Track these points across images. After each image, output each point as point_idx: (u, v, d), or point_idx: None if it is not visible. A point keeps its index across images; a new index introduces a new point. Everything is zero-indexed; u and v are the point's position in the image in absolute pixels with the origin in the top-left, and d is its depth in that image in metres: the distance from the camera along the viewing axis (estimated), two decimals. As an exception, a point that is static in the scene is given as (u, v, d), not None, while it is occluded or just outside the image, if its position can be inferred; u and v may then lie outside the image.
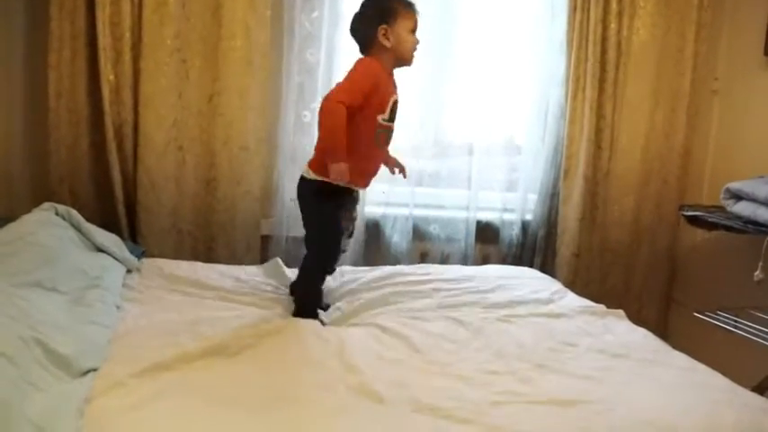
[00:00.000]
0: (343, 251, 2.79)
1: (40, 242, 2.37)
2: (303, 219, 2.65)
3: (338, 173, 2.38)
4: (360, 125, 2.49)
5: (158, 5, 3.14)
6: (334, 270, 2.82)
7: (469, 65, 3.62)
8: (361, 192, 2.87)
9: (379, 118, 2.55)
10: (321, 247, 2.63)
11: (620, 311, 2.77)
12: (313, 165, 2.57)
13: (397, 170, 2.89)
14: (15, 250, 2.25)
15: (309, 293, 2.62)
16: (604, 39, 3.58)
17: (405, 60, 2.63)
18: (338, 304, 2.68)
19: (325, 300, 2.73)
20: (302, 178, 2.61)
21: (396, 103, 2.62)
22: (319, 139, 2.54)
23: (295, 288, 2.73)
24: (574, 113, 3.62)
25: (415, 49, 2.61)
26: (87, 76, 3.16)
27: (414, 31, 2.60)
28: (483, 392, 1.97)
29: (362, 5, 2.64)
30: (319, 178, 2.53)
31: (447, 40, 3.58)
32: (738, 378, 2.18)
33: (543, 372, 2.14)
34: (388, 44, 2.56)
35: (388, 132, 2.65)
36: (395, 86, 2.65)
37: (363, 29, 2.60)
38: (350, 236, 2.79)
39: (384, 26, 2.55)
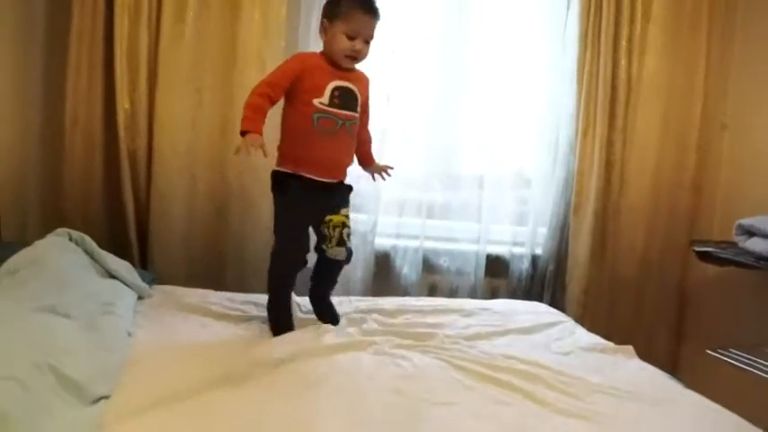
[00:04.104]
0: (338, 260, 2.74)
1: (53, 268, 2.37)
2: None
3: (244, 141, 2.39)
4: (296, 109, 2.55)
5: (175, 37, 3.19)
6: (299, 265, 2.72)
7: (480, 98, 3.64)
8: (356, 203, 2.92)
9: (315, 101, 2.53)
10: (278, 244, 2.66)
11: (630, 348, 2.75)
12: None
13: (378, 174, 2.95)
14: (29, 276, 2.25)
15: (273, 301, 2.66)
16: (614, 75, 3.60)
17: (334, 61, 2.60)
18: (350, 329, 2.66)
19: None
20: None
21: (346, 90, 2.59)
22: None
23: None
24: (584, 148, 3.63)
25: (349, 54, 2.56)
26: (103, 104, 3.20)
27: (354, 36, 2.54)
28: (492, 428, 1.95)
29: None
30: (277, 168, 2.63)
31: (457, 74, 3.61)
32: (751, 417, 2.16)
33: (554, 409, 2.11)
34: (323, 38, 2.62)
35: (335, 119, 2.57)
36: (343, 75, 2.60)
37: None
38: (340, 244, 2.70)
39: (325, 20, 2.59)
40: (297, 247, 2.65)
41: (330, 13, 2.57)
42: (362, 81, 2.72)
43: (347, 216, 2.73)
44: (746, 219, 3.07)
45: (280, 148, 2.62)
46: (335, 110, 2.56)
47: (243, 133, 2.41)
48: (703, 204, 3.79)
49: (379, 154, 3.41)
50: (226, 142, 3.29)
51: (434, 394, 2.13)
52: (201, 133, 3.29)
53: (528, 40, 3.72)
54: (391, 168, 2.95)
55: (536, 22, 3.73)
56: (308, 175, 2.58)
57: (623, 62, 3.60)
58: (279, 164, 2.62)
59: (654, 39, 3.63)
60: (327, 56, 2.60)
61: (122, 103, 3.15)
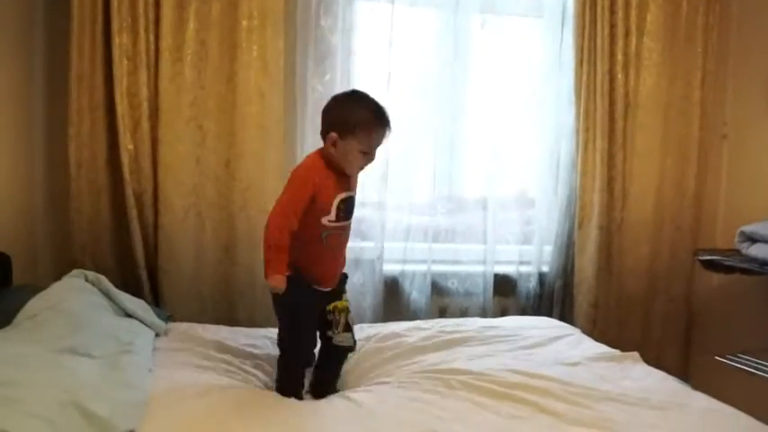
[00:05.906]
0: (345, 346, 2.58)
1: (71, 309, 2.41)
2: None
3: (275, 283, 2.34)
4: (306, 226, 2.41)
5: (174, 75, 3.21)
6: (309, 364, 2.61)
7: (481, 121, 3.68)
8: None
9: (324, 220, 2.44)
10: (287, 341, 2.54)
11: (635, 354, 2.79)
12: None
13: None
14: (49, 318, 2.28)
15: (286, 388, 2.47)
16: (612, 90, 3.64)
17: (345, 172, 2.49)
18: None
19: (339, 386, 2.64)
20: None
21: (348, 200, 2.51)
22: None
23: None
24: (585, 164, 3.66)
25: (363, 167, 2.50)
26: (107, 146, 3.21)
27: (368, 151, 2.45)
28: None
29: (338, 95, 2.57)
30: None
31: (458, 98, 3.66)
32: (764, 420, 2.18)
33: (566, 420, 2.15)
34: (332, 151, 2.42)
35: (340, 232, 2.52)
36: (347, 185, 2.51)
37: (323, 121, 2.48)
38: (347, 330, 2.57)
39: (333, 133, 2.41)
40: (307, 350, 2.57)
41: (341, 127, 2.40)
42: (356, 180, 2.62)
43: (348, 301, 2.62)
44: (748, 225, 3.10)
45: None
46: (341, 222, 2.49)
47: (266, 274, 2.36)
48: (706, 214, 3.83)
49: (382, 181, 3.46)
50: (230, 179, 3.33)
51: (449, 412, 2.16)
52: (206, 171, 3.30)
53: (525, 59, 3.77)
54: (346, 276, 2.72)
55: (532, 42, 3.78)
56: (314, 287, 2.51)
57: (620, 77, 3.64)
58: None
59: (649, 52, 3.67)
60: (333, 162, 2.45)
61: (126, 145, 3.16)
